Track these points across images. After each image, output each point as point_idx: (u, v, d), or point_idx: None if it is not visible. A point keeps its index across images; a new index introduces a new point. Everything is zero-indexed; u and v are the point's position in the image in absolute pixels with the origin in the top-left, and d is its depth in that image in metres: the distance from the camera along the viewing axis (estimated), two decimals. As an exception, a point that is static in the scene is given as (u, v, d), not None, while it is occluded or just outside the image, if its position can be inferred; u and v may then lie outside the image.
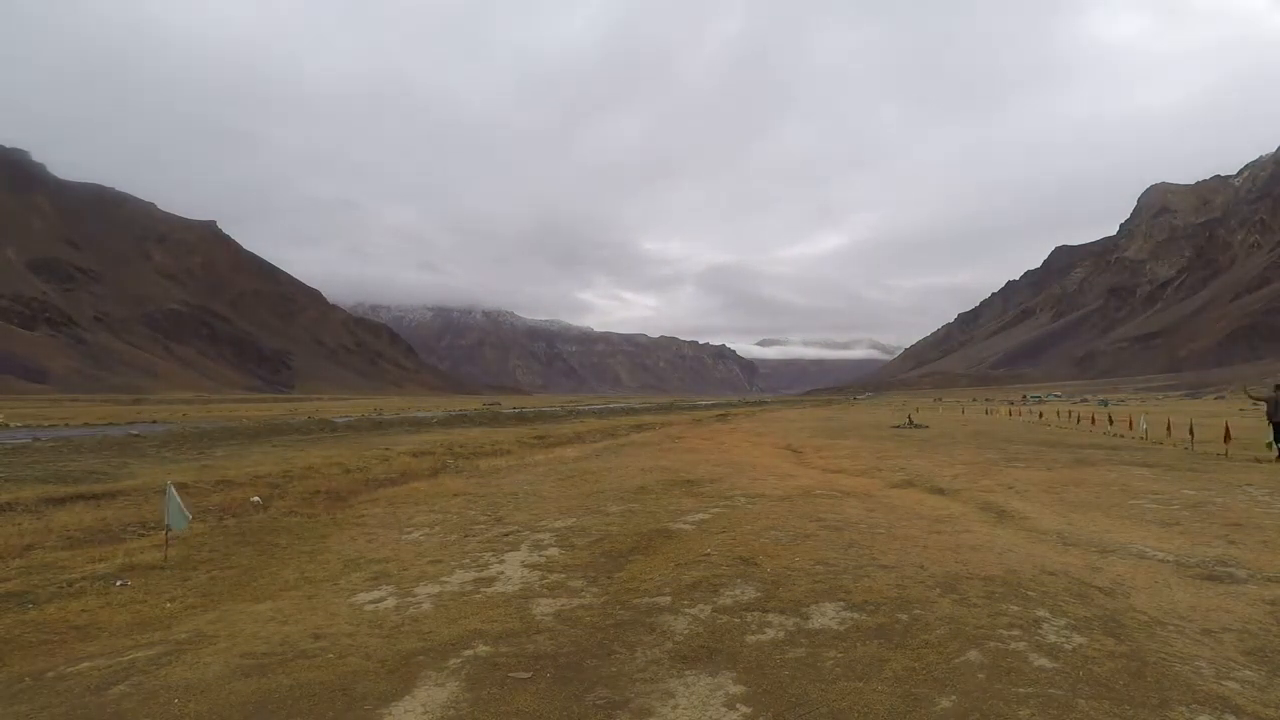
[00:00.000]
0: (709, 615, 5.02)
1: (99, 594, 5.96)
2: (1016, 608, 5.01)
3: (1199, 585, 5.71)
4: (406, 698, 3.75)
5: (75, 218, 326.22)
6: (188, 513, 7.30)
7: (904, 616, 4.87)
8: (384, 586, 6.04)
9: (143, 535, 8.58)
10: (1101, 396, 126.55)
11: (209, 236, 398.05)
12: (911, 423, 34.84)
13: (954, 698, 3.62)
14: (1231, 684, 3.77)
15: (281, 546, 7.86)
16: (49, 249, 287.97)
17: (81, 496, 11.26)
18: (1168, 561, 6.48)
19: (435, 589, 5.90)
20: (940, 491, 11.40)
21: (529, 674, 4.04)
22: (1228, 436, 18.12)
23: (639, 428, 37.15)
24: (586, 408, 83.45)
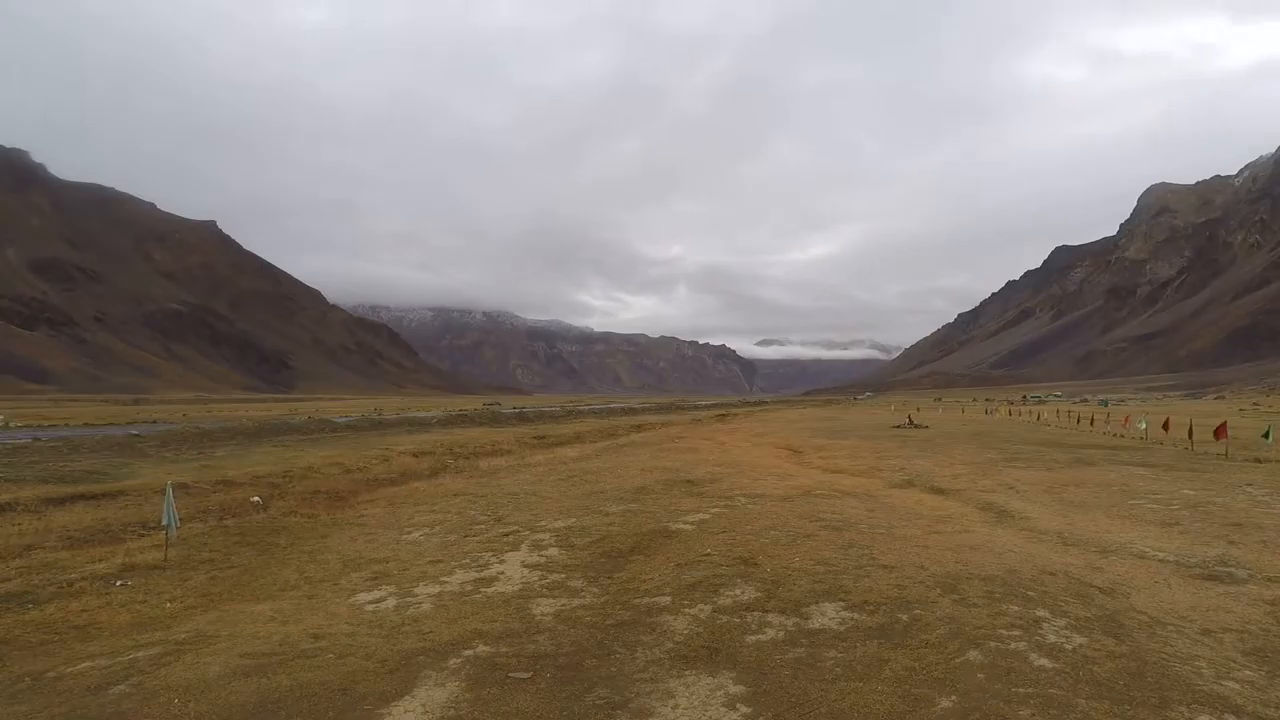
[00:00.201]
0: (709, 615, 5.02)
1: (99, 594, 5.95)
2: (1016, 608, 5.02)
3: (1199, 585, 5.71)
4: (406, 698, 3.75)
5: (75, 218, 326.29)
6: (175, 517, 7.30)
7: (904, 616, 4.87)
8: (384, 586, 6.04)
9: (143, 535, 8.58)
10: (1101, 396, 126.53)
11: (209, 236, 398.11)
12: (912, 423, 34.84)
13: (954, 698, 3.62)
14: (1231, 684, 3.77)
15: (281, 546, 7.86)
16: (49, 249, 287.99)
17: (81, 496, 11.26)
18: (1168, 561, 6.48)
19: (435, 589, 5.90)
20: (940, 491, 11.40)
21: (529, 674, 4.04)
22: (1219, 433, 18.05)
23: (639, 428, 37.15)
24: (586, 408, 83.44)
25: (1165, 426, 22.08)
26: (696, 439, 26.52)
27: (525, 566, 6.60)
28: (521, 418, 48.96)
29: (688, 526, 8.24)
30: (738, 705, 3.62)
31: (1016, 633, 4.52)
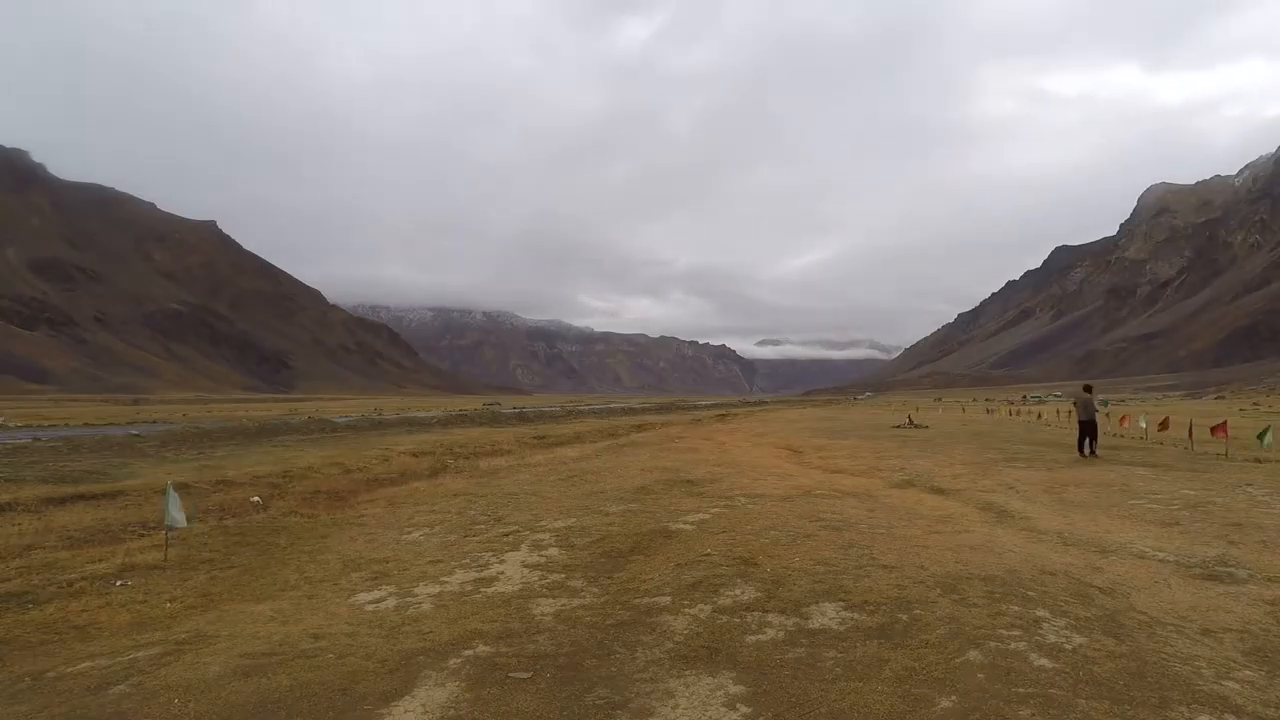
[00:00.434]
0: (709, 615, 5.01)
1: (99, 594, 5.95)
2: (1016, 608, 5.01)
3: (1199, 585, 5.70)
4: (406, 698, 3.75)
5: (75, 218, 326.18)
6: (181, 515, 7.29)
7: (904, 616, 4.86)
8: (384, 586, 6.04)
9: (143, 535, 8.57)
10: (1102, 397, 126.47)
11: (209, 236, 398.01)
12: (911, 423, 34.83)
13: (954, 698, 3.62)
14: (1231, 684, 3.77)
15: (281, 547, 7.85)
16: (49, 249, 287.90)
17: (81, 496, 11.25)
18: (1168, 561, 6.47)
19: (435, 589, 5.90)
20: (940, 491, 11.39)
21: (529, 674, 4.03)
22: (1219, 430, 18.09)
23: (639, 428, 37.14)
24: (586, 408, 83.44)
25: (1164, 425, 22.07)
26: (696, 439, 26.52)
27: (525, 566, 6.59)
28: (521, 418, 48.95)
29: (688, 526, 8.24)
30: (738, 705, 3.62)
31: (1016, 633, 4.51)
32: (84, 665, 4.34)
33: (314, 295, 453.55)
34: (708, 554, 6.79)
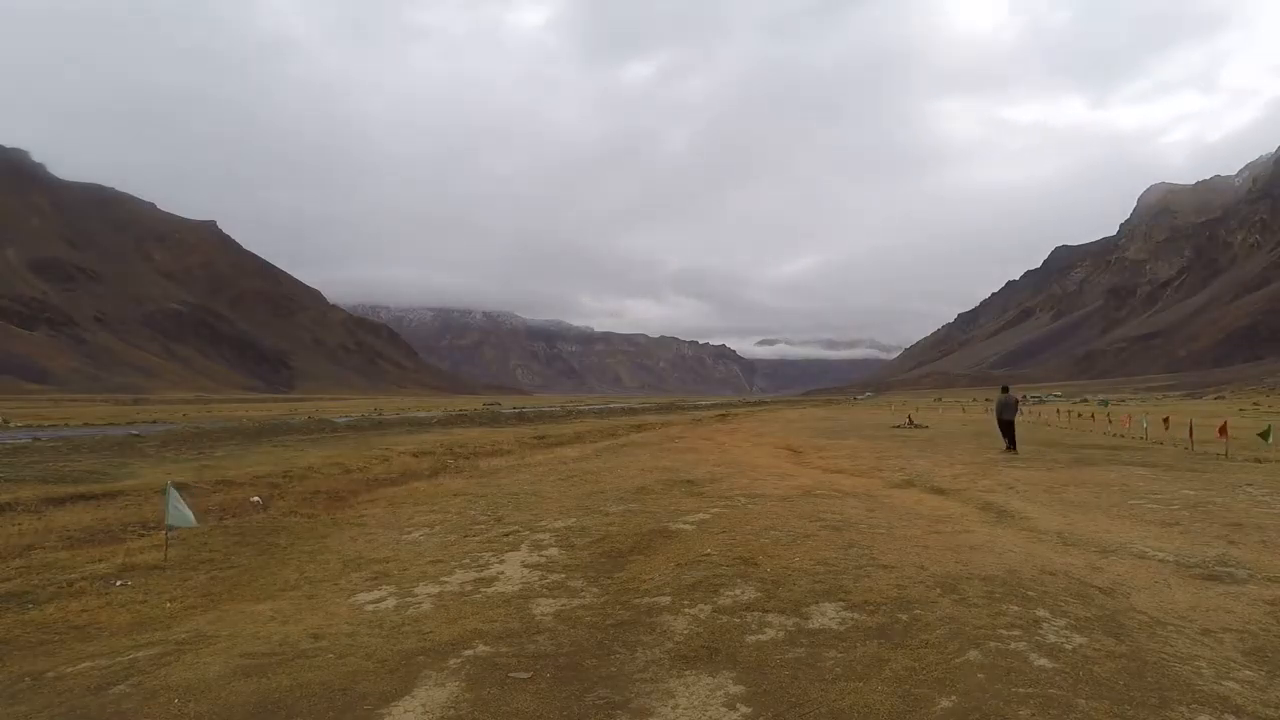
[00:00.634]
0: (709, 615, 5.01)
1: (99, 594, 5.95)
2: (1016, 608, 5.01)
3: (1199, 585, 5.70)
4: (406, 698, 3.74)
5: (75, 218, 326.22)
6: (189, 513, 7.28)
7: (904, 616, 4.86)
8: (384, 586, 6.03)
9: (143, 535, 8.57)
10: (1102, 396, 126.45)
11: (209, 236, 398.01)
12: (911, 423, 34.81)
13: (954, 698, 3.61)
14: (1231, 684, 3.77)
15: (281, 547, 7.85)
16: (49, 249, 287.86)
17: (81, 496, 11.25)
18: (1168, 561, 6.47)
19: (435, 589, 5.90)
20: (940, 491, 11.40)
21: (529, 674, 4.03)
22: (1221, 431, 18.13)
23: (639, 428, 37.12)
24: (586, 408, 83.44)
25: (1165, 423, 22.07)
26: (696, 439, 26.52)
27: (525, 566, 6.59)
28: (521, 418, 48.94)
29: (688, 526, 8.24)
30: (737, 705, 3.62)
31: (1016, 633, 4.51)
32: (84, 665, 4.33)
33: (314, 295, 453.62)
34: (708, 554, 6.78)
